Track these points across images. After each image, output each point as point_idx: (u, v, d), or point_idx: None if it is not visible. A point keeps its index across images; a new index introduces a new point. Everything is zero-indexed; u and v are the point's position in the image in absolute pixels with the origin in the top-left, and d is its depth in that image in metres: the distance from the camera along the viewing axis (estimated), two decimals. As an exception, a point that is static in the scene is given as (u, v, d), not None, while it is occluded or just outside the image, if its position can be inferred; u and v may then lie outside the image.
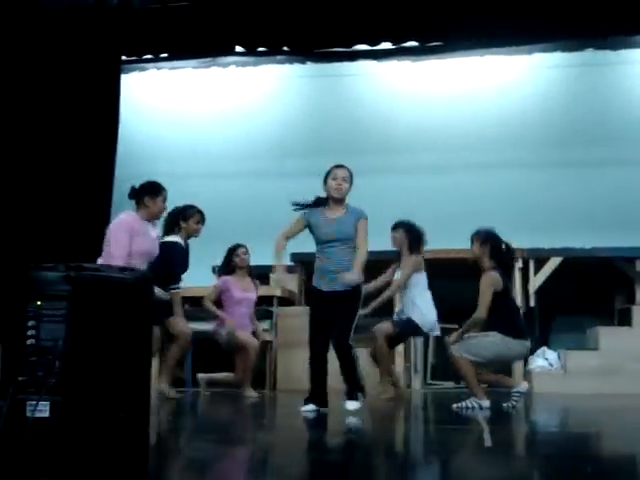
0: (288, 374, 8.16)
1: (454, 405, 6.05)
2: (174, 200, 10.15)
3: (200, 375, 7.91)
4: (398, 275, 7.09)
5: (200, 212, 7.27)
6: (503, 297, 6.11)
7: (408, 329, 7.08)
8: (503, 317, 6.06)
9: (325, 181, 5.82)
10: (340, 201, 5.80)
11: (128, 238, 5.92)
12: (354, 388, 5.81)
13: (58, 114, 8.71)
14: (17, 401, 2.25)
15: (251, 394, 7.38)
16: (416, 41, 9.49)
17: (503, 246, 6.35)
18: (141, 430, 2.45)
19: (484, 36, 9.10)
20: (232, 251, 7.87)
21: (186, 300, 8.96)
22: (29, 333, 2.29)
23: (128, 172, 9.63)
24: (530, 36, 9.17)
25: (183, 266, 7.22)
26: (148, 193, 6.04)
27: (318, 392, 5.76)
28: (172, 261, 6.99)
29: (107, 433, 2.33)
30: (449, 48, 9.66)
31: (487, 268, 6.15)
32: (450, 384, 8.64)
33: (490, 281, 6.05)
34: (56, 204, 8.68)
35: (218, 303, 7.81)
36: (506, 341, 6.02)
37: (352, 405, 5.71)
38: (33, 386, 2.26)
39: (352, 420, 5.43)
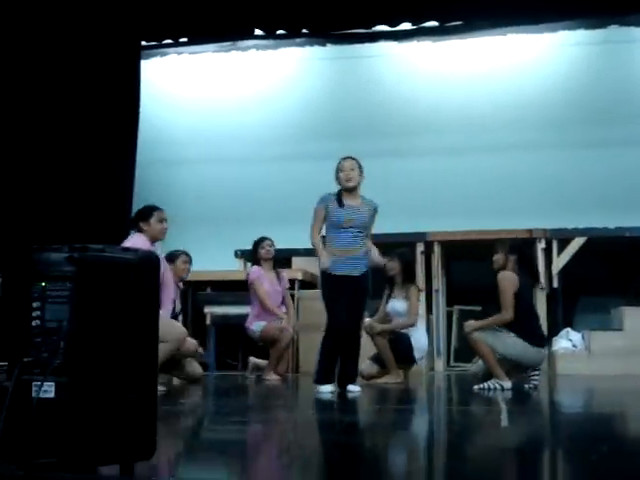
0: (310, 357, 8.13)
1: (475, 387, 6.04)
2: (192, 185, 10.25)
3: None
4: (394, 305, 7.10)
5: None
6: (524, 301, 6.08)
7: (400, 344, 7.02)
8: (524, 322, 6.03)
9: (336, 176, 5.98)
10: (353, 190, 5.93)
11: None
12: (356, 372, 5.99)
13: (79, 99, 8.75)
14: (22, 382, 2.26)
15: (273, 377, 7.41)
16: (436, 21, 9.44)
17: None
18: (149, 411, 2.45)
19: (505, 15, 9.02)
20: (257, 244, 7.89)
21: (208, 284, 9.05)
22: (34, 314, 2.29)
23: (149, 157, 9.69)
24: (553, 13, 9.08)
25: None
26: (140, 219, 6.10)
27: (332, 370, 5.85)
28: None
29: (114, 414, 2.33)
30: (470, 27, 9.61)
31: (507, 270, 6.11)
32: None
33: (509, 280, 6.02)
34: (79, 189, 8.73)
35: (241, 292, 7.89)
36: (525, 346, 6.01)
37: (355, 388, 5.82)
38: (38, 367, 2.27)
39: (354, 396, 5.51)
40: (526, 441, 3.60)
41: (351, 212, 5.86)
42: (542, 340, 6.25)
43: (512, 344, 5.99)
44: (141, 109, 9.41)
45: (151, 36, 9.69)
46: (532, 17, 9.29)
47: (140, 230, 6.02)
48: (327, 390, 5.73)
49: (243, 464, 2.92)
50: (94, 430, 2.29)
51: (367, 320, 6.91)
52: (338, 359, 5.87)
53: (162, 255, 6.53)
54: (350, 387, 5.81)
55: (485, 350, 6.02)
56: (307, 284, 8.72)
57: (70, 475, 2.25)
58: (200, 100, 10.54)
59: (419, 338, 7.15)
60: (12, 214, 8.03)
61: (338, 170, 5.95)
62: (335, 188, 5.99)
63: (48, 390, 2.25)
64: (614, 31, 9.63)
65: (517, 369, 6.17)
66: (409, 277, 7.26)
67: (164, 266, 5.85)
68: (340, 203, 5.87)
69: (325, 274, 5.86)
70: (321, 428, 4.17)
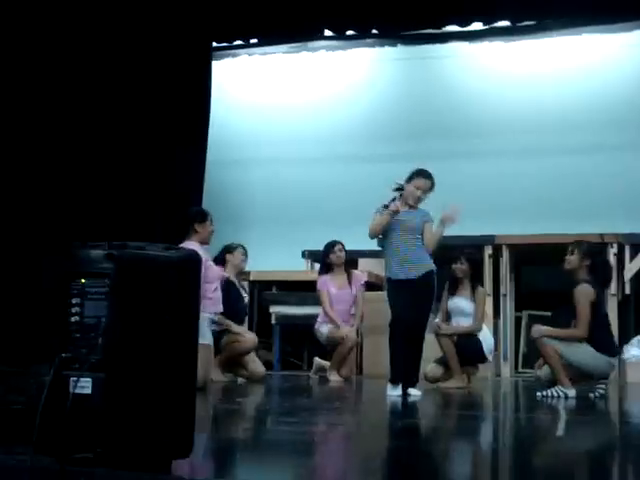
0: (374, 359, 8.09)
1: (538, 393, 5.92)
2: (261, 186, 10.31)
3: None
4: (459, 303, 6.96)
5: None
6: (597, 311, 5.92)
7: (468, 344, 6.90)
8: (595, 332, 5.86)
9: (409, 181, 6.00)
10: (412, 206, 6.01)
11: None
12: (416, 376, 5.94)
13: (151, 100, 8.87)
14: (61, 377, 2.29)
15: (335, 378, 7.41)
16: (508, 21, 9.28)
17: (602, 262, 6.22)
18: (186, 408, 2.45)
19: (579, 14, 8.81)
20: (328, 248, 7.90)
21: (274, 283, 9.09)
22: (73, 310, 2.33)
23: (219, 157, 9.77)
24: (627, 12, 8.82)
25: None
26: (197, 220, 6.25)
27: (402, 371, 5.80)
28: None
29: (150, 411, 2.34)
30: (543, 27, 9.41)
31: (581, 280, 5.95)
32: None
33: (586, 295, 5.85)
34: (151, 189, 8.87)
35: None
36: (595, 355, 5.85)
37: (416, 393, 5.77)
38: (76, 362, 2.30)
39: (414, 400, 5.49)
40: (581, 452, 3.51)
41: (407, 219, 5.92)
42: (613, 350, 6.08)
43: (582, 352, 5.83)
44: (212, 109, 9.51)
45: (222, 37, 9.77)
46: (607, 16, 9.06)
47: (195, 231, 6.15)
48: (394, 393, 5.73)
49: (286, 465, 2.91)
50: (130, 427, 2.31)
51: (435, 321, 6.87)
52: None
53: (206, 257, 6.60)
54: (410, 391, 5.77)
55: (552, 354, 5.88)
56: (372, 286, 8.66)
57: (105, 470, 2.28)
58: (270, 101, 10.59)
59: (485, 337, 7.02)
60: (82, 213, 8.19)
61: (412, 180, 6.00)
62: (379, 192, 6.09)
63: (85, 386, 2.28)
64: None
65: (585, 378, 6.02)
66: (477, 279, 7.18)
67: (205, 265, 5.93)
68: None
69: (389, 280, 5.96)
70: (375, 431, 4.14)
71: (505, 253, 8.54)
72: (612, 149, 9.17)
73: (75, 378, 2.27)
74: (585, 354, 5.84)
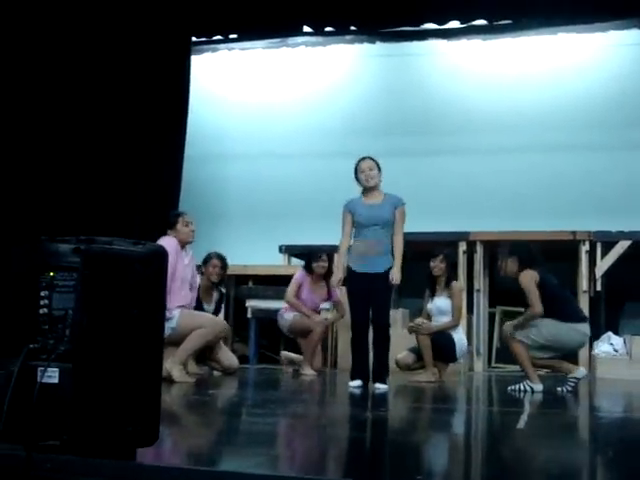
0: (348, 353, 8.16)
1: (509, 387, 6.07)
2: (239, 181, 10.36)
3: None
4: (438, 303, 7.06)
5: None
6: (549, 288, 6.07)
7: (443, 341, 7.00)
8: (553, 305, 6.02)
9: (356, 176, 6.27)
10: (374, 189, 6.18)
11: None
12: (384, 370, 6.03)
13: (129, 93, 8.90)
14: (29, 367, 2.36)
15: (309, 372, 7.48)
16: (485, 19, 9.37)
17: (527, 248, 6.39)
18: (152, 398, 2.53)
19: (555, 14, 8.90)
20: (312, 257, 7.96)
21: (250, 278, 9.15)
22: (42, 302, 2.40)
23: (198, 152, 9.81)
24: (604, 13, 8.95)
25: None
26: (167, 227, 6.44)
27: (361, 366, 6.00)
28: None
29: (116, 400, 2.42)
30: (519, 27, 9.52)
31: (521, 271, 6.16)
32: (515, 367, 8.53)
33: (528, 277, 6.05)
34: (127, 183, 8.89)
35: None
36: (561, 326, 6.00)
37: (382, 387, 5.88)
38: (44, 353, 2.37)
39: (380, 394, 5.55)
40: (538, 446, 3.60)
41: (372, 210, 6.06)
42: (578, 316, 6.19)
43: (546, 326, 6.00)
44: (191, 104, 9.55)
45: (202, 31, 9.81)
46: (583, 16, 9.17)
47: (173, 232, 6.29)
48: (354, 385, 5.92)
49: (249, 453, 2.98)
50: (96, 415, 2.38)
51: (418, 320, 6.98)
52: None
53: (190, 254, 6.65)
54: (376, 385, 5.92)
55: (519, 351, 6.04)
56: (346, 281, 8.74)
57: (72, 457, 2.35)
58: (249, 96, 10.64)
59: (460, 339, 7.15)
60: (59, 205, 8.22)
61: (357, 171, 6.24)
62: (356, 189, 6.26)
63: (52, 375, 2.35)
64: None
65: (564, 351, 6.15)
66: (453, 276, 7.30)
67: (174, 259, 5.98)
68: (362, 203, 6.11)
69: (349, 271, 6.09)
70: (337, 422, 4.22)
71: (479, 249, 8.66)
72: (585, 148, 9.31)
73: (42, 368, 2.34)
74: (550, 327, 6.00)
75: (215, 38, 10.29)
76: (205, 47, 10.57)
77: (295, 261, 9.42)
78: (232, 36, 10.20)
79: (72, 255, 2.39)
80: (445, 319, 7.05)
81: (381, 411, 4.96)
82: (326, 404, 5.55)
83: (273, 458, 2.88)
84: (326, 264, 7.91)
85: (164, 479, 2.32)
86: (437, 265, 7.09)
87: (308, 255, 8.10)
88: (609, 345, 8.07)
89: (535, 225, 8.43)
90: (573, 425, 4.56)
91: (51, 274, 2.41)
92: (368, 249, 6.01)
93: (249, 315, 8.83)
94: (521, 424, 4.03)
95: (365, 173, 6.17)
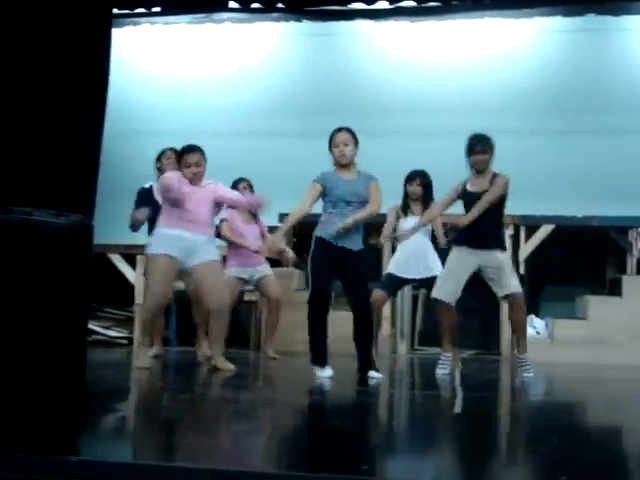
0: (280, 336, 8.01)
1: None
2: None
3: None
4: (412, 223, 6.70)
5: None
6: None
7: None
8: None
9: (330, 149, 5.77)
10: (347, 165, 5.75)
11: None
12: (372, 359, 5.65)
13: (45, 65, 8.55)
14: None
15: (273, 354, 7.31)
16: (413, 1, 9.33)
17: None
18: (76, 384, 2.36)
19: (483, -2, 8.93)
20: (235, 185, 7.68)
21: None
22: (-48, 278, 2.20)
23: (120, 128, 9.48)
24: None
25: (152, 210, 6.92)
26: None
27: (324, 349, 5.60)
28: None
29: (35, 386, 2.23)
30: (447, 9, 9.51)
31: None
32: (437, 350, 8.55)
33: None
34: (43, 156, 8.55)
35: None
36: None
37: (377, 376, 5.51)
38: (-44, 333, 2.17)
39: (325, 382, 5.38)
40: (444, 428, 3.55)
41: (350, 186, 5.66)
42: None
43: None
44: (112, 78, 9.21)
45: (123, 3, 9.50)
46: (511, 1, 9.22)
47: None
48: (324, 375, 5.51)
49: (178, 441, 2.84)
50: (16, 401, 2.20)
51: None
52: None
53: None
54: (370, 373, 5.51)
55: (444, 318, 6.10)
56: (279, 262, 8.59)
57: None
58: (173, 71, 10.38)
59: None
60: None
61: (331, 144, 5.74)
62: (328, 162, 5.83)
63: (-36, 358, 2.16)
64: (591, 19, 9.55)
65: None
66: (429, 198, 6.99)
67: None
68: (338, 177, 5.69)
69: (319, 240, 5.62)
70: (263, 408, 4.11)
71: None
72: (510, 133, 9.29)
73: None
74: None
75: (137, 11, 9.99)
76: (127, 20, 10.24)
77: (217, 241, 9.22)
78: (155, 9, 9.91)
79: (-13, 226, 2.19)
80: (423, 237, 6.85)
81: (315, 396, 4.86)
82: (258, 388, 5.41)
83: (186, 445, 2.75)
84: (246, 191, 7.34)
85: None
86: (413, 189, 6.94)
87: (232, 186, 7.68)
88: (531, 328, 8.13)
89: (460, 208, 8.41)
90: (511, 409, 4.55)
91: (-36, 247, 2.21)
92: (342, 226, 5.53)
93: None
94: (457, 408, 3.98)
95: (339, 148, 5.69)
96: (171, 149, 7.02)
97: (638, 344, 7.80)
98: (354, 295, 5.63)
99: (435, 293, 6.05)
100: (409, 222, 6.82)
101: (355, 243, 5.63)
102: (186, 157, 5.92)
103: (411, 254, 6.84)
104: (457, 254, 6.04)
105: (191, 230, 5.82)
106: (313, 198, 5.71)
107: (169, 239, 5.78)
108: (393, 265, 6.98)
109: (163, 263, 5.74)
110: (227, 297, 5.95)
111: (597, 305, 8.07)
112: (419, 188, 6.96)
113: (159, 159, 7.25)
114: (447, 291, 5.99)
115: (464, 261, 6.00)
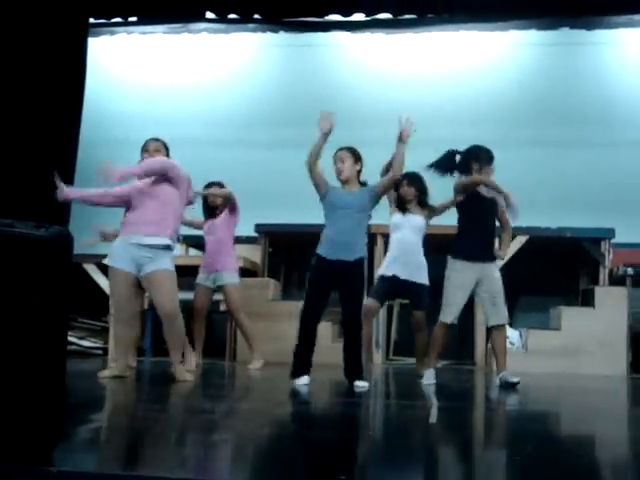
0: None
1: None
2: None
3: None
4: (411, 218, 6.89)
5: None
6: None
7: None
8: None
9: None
10: (348, 181, 5.91)
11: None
12: (361, 368, 5.70)
13: (22, 74, 8.53)
14: None
15: (258, 366, 7.29)
16: (389, 13, 9.41)
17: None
18: (55, 395, 2.35)
19: (458, 11, 9.02)
20: (206, 188, 7.74)
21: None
22: None
23: (95, 136, 9.50)
24: (505, 12, 9.12)
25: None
26: None
27: (308, 361, 5.68)
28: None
29: (14, 398, 2.23)
30: (423, 22, 9.60)
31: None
32: (412, 360, 8.59)
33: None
34: (19, 165, 8.53)
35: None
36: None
37: (363, 385, 5.53)
38: None
39: (303, 390, 5.40)
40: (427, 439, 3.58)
41: (348, 196, 5.79)
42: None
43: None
44: (88, 87, 9.22)
45: (100, 13, 9.50)
46: (485, 15, 9.33)
47: None
48: (301, 383, 5.57)
49: (155, 451, 2.85)
50: (-7, 412, 2.20)
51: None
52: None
53: None
54: (357, 383, 5.52)
55: (435, 337, 6.11)
56: (247, 272, 8.62)
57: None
58: (149, 81, 10.38)
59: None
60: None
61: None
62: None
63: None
64: (565, 33, 9.69)
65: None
66: (425, 201, 7.02)
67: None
68: (338, 190, 5.86)
69: (317, 257, 5.73)
70: (234, 418, 4.11)
71: (379, 241, 8.66)
72: (485, 144, 9.33)
73: None
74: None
75: (114, 21, 10.00)
76: (103, 30, 10.24)
77: (193, 251, 9.23)
78: (132, 19, 9.92)
79: (-32, 238, 2.19)
80: (415, 236, 6.91)
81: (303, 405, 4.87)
82: (232, 398, 5.41)
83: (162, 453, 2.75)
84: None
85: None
86: (405, 190, 6.93)
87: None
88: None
89: (437, 220, 8.46)
90: (486, 418, 4.58)
91: (-56, 258, 2.21)
92: (339, 235, 5.67)
93: (145, 307, 8.57)
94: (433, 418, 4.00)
95: (336, 166, 5.92)
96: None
97: (610, 354, 7.89)
98: (345, 308, 5.70)
99: (448, 319, 6.02)
100: (409, 219, 6.90)
101: (352, 253, 5.68)
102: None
103: (402, 253, 6.87)
104: (456, 272, 6.05)
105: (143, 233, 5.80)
106: (322, 176, 5.85)
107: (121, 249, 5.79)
108: (384, 266, 7.01)
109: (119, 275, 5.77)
110: (173, 306, 5.88)
111: (570, 316, 8.15)
112: (410, 189, 6.97)
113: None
114: (456, 314, 6.04)
115: (465, 276, 6.06)
